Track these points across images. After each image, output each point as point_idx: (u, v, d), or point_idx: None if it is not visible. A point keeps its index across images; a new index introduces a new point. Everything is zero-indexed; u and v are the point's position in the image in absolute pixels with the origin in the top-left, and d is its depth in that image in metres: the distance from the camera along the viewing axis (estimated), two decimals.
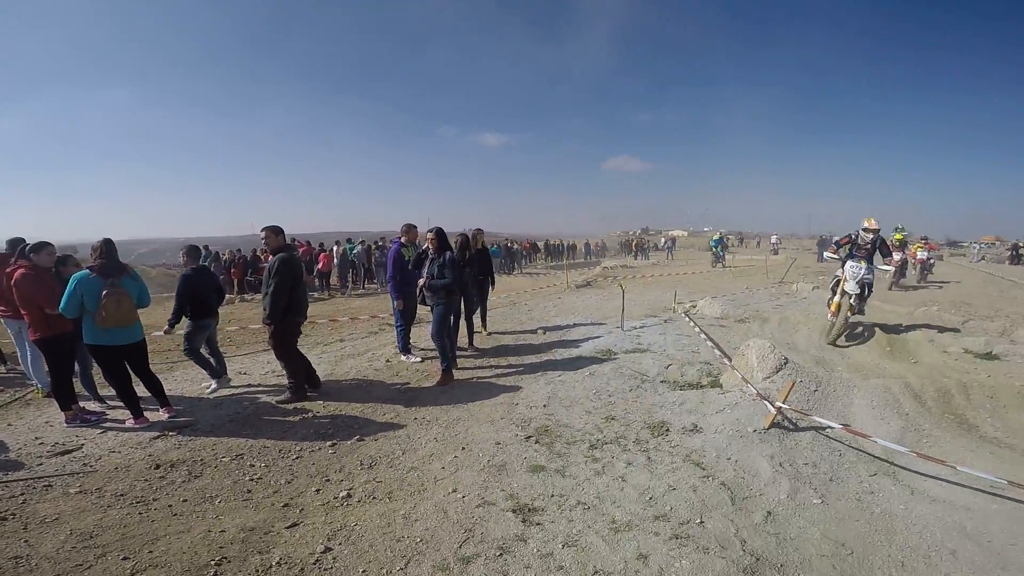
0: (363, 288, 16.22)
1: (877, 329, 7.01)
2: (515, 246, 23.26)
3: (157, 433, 4.09)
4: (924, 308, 8.90)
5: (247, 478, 3.38)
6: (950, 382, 4.79)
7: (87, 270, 4.04)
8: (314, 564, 2.49)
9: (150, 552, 2.56)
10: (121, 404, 4.34)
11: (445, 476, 3.39)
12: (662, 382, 5.18)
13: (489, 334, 7.58)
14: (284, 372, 4.96)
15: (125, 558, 2.50)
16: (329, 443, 3.90)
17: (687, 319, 7.95)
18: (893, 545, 2.70)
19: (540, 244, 31.35)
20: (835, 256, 7.07)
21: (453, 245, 5.77)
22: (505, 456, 3.65)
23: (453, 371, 5.55)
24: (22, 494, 3.18)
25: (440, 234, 5.30)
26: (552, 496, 3.10)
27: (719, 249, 22.59)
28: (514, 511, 2.92)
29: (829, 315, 7.00)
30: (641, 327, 7.62)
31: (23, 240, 4.84)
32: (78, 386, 4.71)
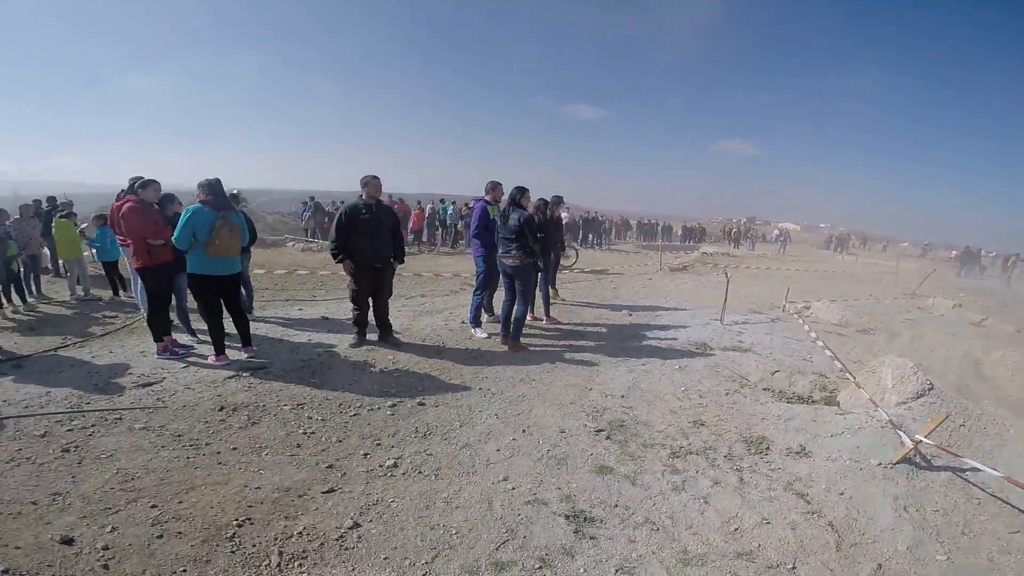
0: (451, 248, 16.93)
1: None
2: (603, 220, 22.31)
3: (232, 373, 4.15)
4: None
5: (300, 431, 3.30)
6: None
7: (199, 203, 4.14)
8: (336, 540, 2.29)
9: (179, 503, 2.49)
10: (209, 340, 4.48)
11: (499, 460, 3.08)
12: (764, 390, 4.46)
13: (563, 300, 7.74)
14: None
15: (153, 506, 2.44)
16: (389, 403, 3.75)
17: (799, 321, 6.91)
18: None
19: (632, 222, 29.87)
20: None
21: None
22: (568, 448, 3.25)
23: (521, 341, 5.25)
24: (93, 425, 3.22)
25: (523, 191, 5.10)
26: (615, 506, 2.67)
27: None
28: (567, 517, 2.54)
29: None
30: (744, 323, 6.76)
31: (140, 178, 5.13)
32: (175, 319, 4.99)
